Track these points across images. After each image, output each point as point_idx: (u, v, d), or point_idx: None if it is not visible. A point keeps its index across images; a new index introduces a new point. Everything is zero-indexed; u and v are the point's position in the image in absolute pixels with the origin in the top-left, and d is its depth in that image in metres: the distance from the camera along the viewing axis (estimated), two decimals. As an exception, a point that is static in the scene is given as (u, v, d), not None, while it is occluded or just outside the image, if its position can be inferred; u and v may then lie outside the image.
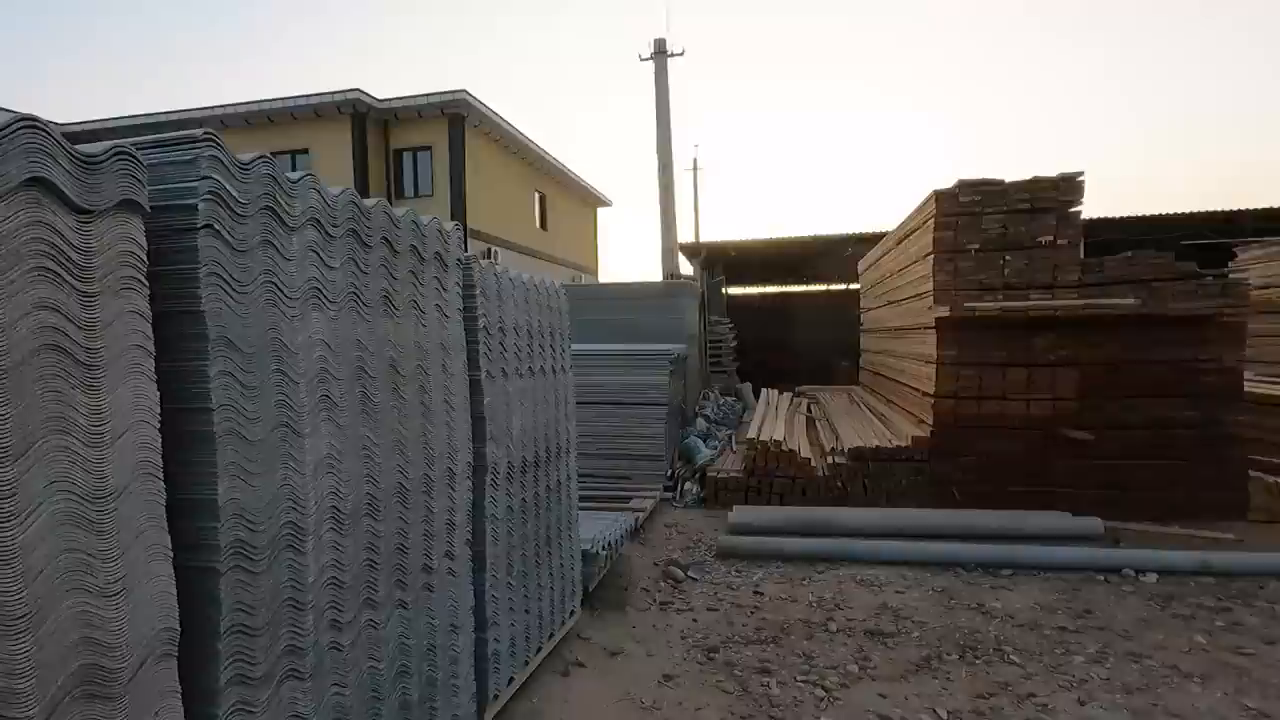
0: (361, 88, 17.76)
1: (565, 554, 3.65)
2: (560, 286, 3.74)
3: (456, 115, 18.37)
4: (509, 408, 2.93)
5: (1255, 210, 12.45)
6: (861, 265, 11.52)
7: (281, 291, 1.66)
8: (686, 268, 17.41)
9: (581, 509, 5.67)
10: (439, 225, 2.38)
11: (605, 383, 7.03)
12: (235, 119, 18.42)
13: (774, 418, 8.15)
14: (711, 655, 3.60)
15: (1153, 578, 4.51)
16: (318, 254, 1.79)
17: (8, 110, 1.22)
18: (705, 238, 18.87)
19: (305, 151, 18.61)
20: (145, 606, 1.31)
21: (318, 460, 1.76)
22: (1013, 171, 6.02)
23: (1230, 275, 6.04)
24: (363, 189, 18.08)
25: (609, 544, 4.37)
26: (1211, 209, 12.48)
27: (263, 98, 18.37)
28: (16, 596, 1.08)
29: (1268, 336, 8.29)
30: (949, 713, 3.02)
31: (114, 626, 1.24)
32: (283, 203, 1.68)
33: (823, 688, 3.25)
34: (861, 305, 11.61)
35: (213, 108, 18.49)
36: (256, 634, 1.54)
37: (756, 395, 11.17)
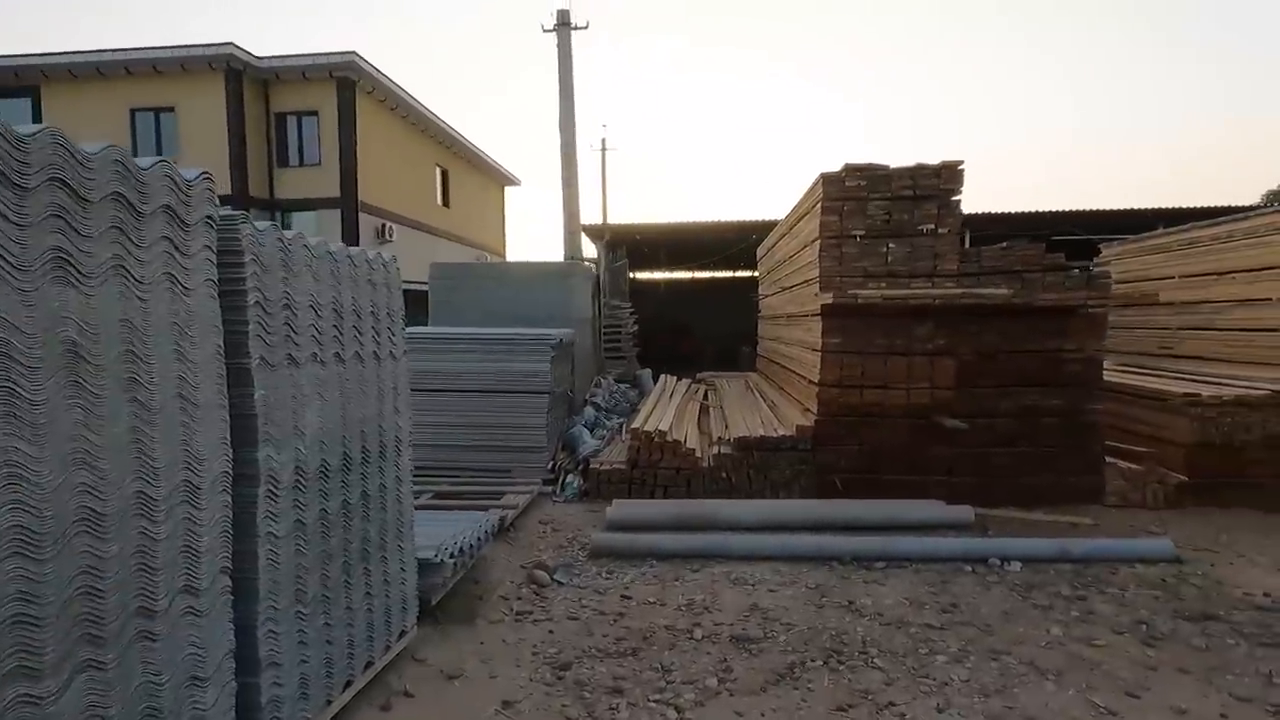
0: (236, 43, 16.15)
1: (394, 567, 3.18)
2: (391, 259, 3.23)
3: (346, 79, 17.09)
4: (299, 401, 2.44)
5: (1122, 210, 13.34)
6: (760, 251, 11.45)
7: None
8: (592, 251, 16.96)
9: (443, 508, 5.22)
10: (169, 171, 1.86)
11: (480, 369, 6.53)
12: (85, 68, 16.39)
13: (665, 405, 7.88)
14: (561, 674, 3.25)
15: (1017, 566, 4.53)
16: (-96, 192, 1.26)
17: None
18: (613, 220, 18.48)
19: (171, 110, 16.79)
20: None
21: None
22: (922, 160, 5.96)
23: (1094, 269, 6.23)
24: (239, 154, 16.55)
25: (461, 549, 3.92)
26: (1087, 208, 13.36)
27: (120, 46, 16.39)
28: None
29: (1123, 329, 8.80)
30: (804, 730, 2.80)
31: None
32: None
33: (675, 708, 2.95)
34: (759, 291, 11.57)
35: (59, 54, 16.36)
36: None
37: (656, 382, 10.92)
